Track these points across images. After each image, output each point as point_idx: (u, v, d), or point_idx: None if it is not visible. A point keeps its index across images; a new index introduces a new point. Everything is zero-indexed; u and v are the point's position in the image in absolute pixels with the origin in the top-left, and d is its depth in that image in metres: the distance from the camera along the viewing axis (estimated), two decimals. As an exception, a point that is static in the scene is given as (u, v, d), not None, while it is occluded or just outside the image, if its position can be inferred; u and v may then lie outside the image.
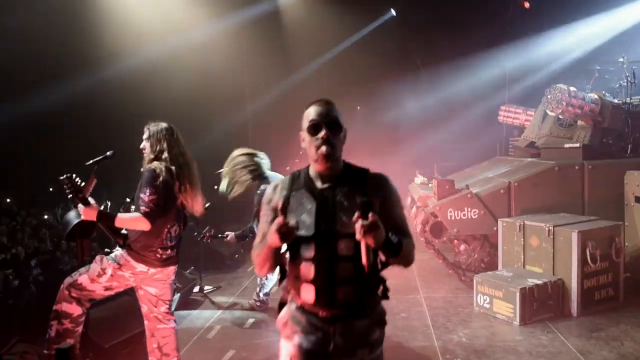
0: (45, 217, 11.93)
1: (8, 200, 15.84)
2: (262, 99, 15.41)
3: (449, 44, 11.41)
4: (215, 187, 6.44)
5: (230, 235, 5.21)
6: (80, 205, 3.19)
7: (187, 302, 5.68)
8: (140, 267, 3.32)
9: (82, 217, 3.24)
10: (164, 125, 3.47)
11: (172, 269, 3.49)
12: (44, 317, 3.56)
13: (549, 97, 6.33)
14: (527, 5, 10.43)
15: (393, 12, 13.29)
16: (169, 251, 3.40)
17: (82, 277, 3.32)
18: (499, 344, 4.25)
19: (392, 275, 6.20)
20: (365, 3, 12.96)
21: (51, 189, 18.30)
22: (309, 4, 13.65)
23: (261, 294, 5.40)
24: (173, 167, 3.35)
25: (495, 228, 5.65)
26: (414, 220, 6.94)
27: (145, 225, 3.18)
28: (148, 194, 3.19)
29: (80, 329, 3.41)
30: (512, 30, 10.52)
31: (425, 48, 12.86)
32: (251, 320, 5.10)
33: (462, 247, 6.11)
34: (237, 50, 13.97)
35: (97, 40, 11.62)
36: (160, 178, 3.24)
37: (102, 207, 3.31)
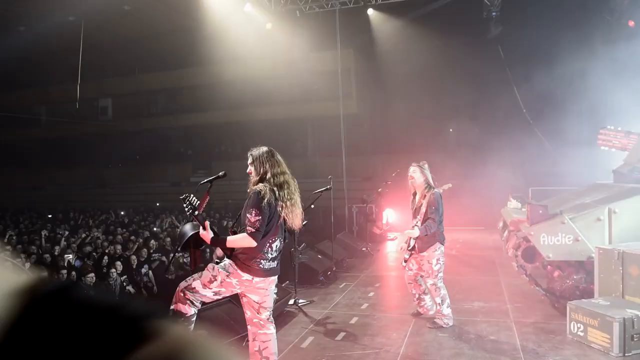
0: (155, 229, 13.08)
1: (122, 212, 17.51)
2: (357, 121, 15.79)
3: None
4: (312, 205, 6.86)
5: None
6: (201, 229, 3.69)
7: (283, 314, 6.07)
8: (246, 276, 3.70)
9: (196, 231, 3.74)
10: (264, 149, 3.86)
11: (273, 279, 3.85)
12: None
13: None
14: (631, 24, 9.99)
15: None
16: (271, 263, 3.77)
17: (196, 282, 3.77)
18: (593, 373, 4.18)
19: (483, 298, 6.32)
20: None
21: (158, 204, 19.90)
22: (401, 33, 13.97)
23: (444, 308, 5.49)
24: (275, 188, 3.74)
25: (591, 255, 5.51)
26: (506, 245, 6.90)
27: (251, 243, 3.59)
28: (254, 214, 3.59)
29: (192, 328, 3.83)
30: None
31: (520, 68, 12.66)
32: (342, 334, 5.37)
33: (556, 273, 5.99)
34: (333, 74, 14.48)
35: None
36: (265, 200, 3.62)
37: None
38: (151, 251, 9.69)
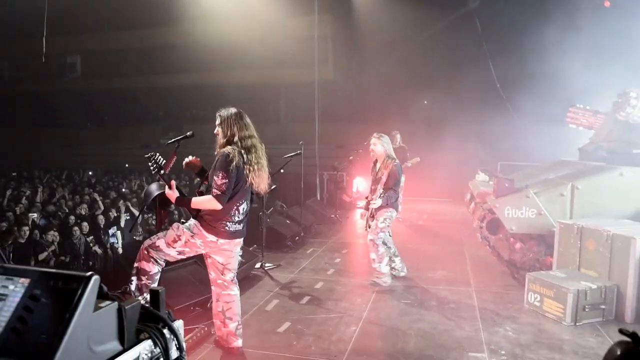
0: (124, 190, 12.88)
1: (90, 173, 17.15)
2: (332, 88, 15.64)
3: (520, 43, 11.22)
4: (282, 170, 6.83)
5: None
6: (166, 188, 3.64)
7: (249, 277, 6.11)
8: (211, 237, 3.69)
9: (162, 190, 3.69)
10: (233, 110, 3.79)
11: (238, 241, 3.86)
12: (122, 278, 4.03)
13: (619, 101, 6.22)
14: (607, 4, 10.08)
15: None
16: (237, 225, 3.76)
17: (160, 240, 3.74)
18: (545, 341, 4.35)
19: (447, 268, 6.45)
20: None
21: (127, 165, 19.56)
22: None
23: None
24: (243, 151, 3.69)
25: (552, 229, 5.67)
26: (472, 216, 7.05)
27: (216, 206, 3.56)
28: (220, 177, 3.54)
29: (155, 286, 3.83)
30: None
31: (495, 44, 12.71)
32: (307, 298, 5.44)
33: (518, 245, 6.16)
34: (310, 40, 14.23)
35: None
36: (234, 163, 3.58)
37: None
38: (119, 213, 9.56)
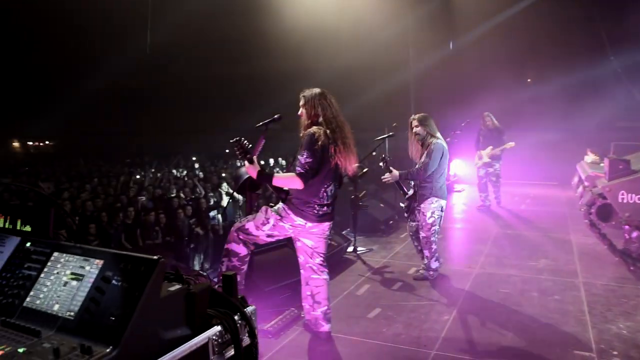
0: (223, 175, 13.48)
1: (194, 158, 18.15)
2: (425, 64, 15.12)
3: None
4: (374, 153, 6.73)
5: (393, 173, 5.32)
6: (246, 163, 3.65)
7: (341, 261, 6.11)
8: (299, 221, 3.69)
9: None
10: (317, 90, 3.73)
11: (327, 224, 3.82)
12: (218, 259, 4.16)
13: None
14: None
15: None
16: (325, 208, 3.72)
17: (249, 223, 3.80)
18: (666, 341, 3.90)
19: (550, 256, 6.00)
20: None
21: (227, 151, 20.42)
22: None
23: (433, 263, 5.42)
24: (328, 131, 3.63)
25: (676, 216, 5.07)
26: (580, 201, 6.50)
27: (298, 184, 3.53)
28: (305, 156, 3.52)
29: (245, 267, 3.91)
30: None
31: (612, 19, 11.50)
32: (399, 284, 5.33)
33: (635, 234, 5.58)
34: (399, 15, 13.82)
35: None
36: (319, 142, 3.54)
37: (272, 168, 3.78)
38: (220, 197, 10.03)
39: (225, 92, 22.95)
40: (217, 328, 1.55)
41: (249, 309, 1.66)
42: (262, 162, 14.22)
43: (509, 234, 7.41)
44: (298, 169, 3.52)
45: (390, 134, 6.65)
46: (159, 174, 13.77)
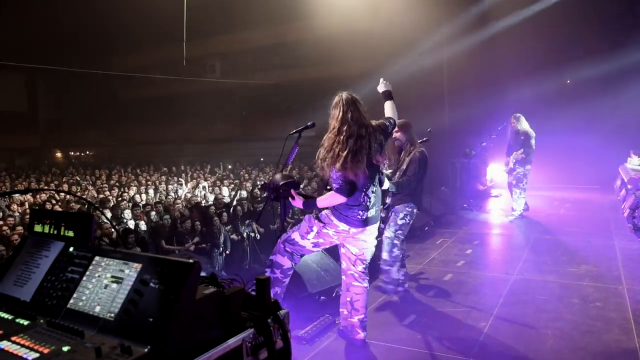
0: (258, 183, 13.63)
1: (229, 166, 18.38)
2: (460, 71, 14.94)
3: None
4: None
5: None
6: (290, 200, 3.63)
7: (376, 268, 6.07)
8: (343, 226, 3.65)
9: (286, 181, 3.68)
10: (345, 95, 3.63)
11: (372, 229, 3.75)
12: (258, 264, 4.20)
13: None
14: None
15: None
16: (369, 211, 3.63)
17: (294, 233, 3.81)
18: None
19: (592, 262, 5.81)
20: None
21: (262, 159, 20.62)
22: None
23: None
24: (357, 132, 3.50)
25: None
26: (622, 205, 6.29)
27: (341, 200, 3.51)
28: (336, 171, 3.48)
29: (287, 281, 3.88)
30: None
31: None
32: (435, 290, 5.28)
33: (681, 238, 5.38)
34: (435, 22, 13.67)
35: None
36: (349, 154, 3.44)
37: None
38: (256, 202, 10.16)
39: (261, 99, 23.31)
40: (251, 330, 1.59)
41: (281, 312, 1.69)
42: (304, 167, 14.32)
43: (548, 239, 7.22)
44: (334, 185, 3.49)
45: (425, 139, 6.59)
46: (194, 181, 14.04)
